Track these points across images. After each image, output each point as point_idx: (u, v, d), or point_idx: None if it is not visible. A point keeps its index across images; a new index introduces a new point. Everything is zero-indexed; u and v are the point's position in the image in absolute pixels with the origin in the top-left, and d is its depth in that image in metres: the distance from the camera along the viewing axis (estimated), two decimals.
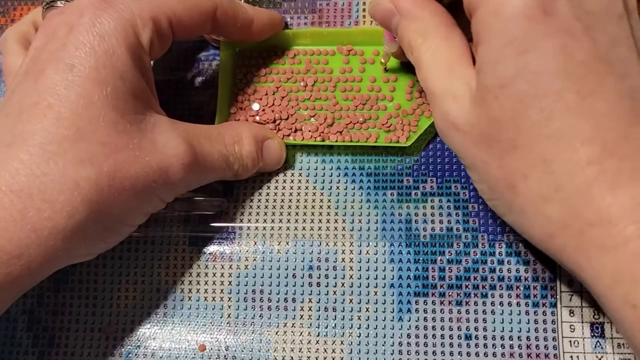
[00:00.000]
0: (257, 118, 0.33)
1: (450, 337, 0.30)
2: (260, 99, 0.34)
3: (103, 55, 0.26)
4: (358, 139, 0.32)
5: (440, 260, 0.31)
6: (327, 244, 0.31)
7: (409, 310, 0.30)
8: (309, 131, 0.33)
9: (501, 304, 0.30)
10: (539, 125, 0.22)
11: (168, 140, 0.27)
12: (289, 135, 0.33)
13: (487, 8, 0.23)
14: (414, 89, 0.33)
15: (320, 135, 0.33)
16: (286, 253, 0.31)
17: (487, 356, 0.29)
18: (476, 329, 0.30)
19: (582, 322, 0.29)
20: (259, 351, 0.30)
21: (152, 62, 0.29)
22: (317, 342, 0.30)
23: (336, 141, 0.32)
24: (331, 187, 0.33)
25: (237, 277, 0.31)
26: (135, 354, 0.31)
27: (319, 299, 0.31)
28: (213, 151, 0.29)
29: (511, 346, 0.29)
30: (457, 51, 0.25)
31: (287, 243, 0.32)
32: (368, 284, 0.31)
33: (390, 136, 0.32)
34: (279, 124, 0.33)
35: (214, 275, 0.32)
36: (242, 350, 0.31)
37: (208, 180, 0.30)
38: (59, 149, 0.25)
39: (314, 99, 0.33)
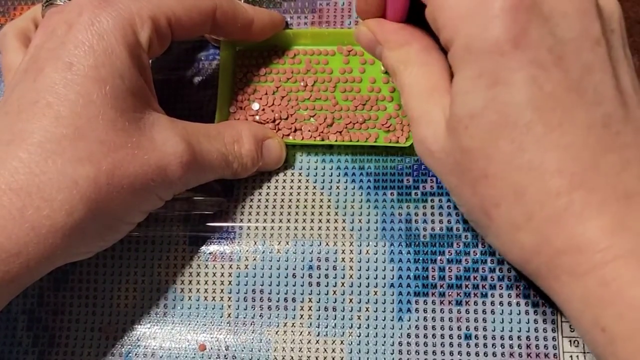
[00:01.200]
0: (257, 117, 0.33)
1: (450, 336, 0.30)
2: (260, 98, 0.34)
3: (102, 54, 0.26)
4: (358, 139, 0.32)
5: (440, 260, 0.31)
6: (327, 244, 0.31)
7: (409, 310, 0.30)
8: (309, 131, 0.33)
9: (501, 303, 0.30)
10: (510, 156, 0.22)
11: (167, 139, 0.27)
12: (288, 134, 0.33)
13: (460, 43, 0.23)
14: None
15: (319, 135, 0.33)
16: (286, 253, 0.31)
17: (487, 356, 0.29)
18: (476, 328, 0.30)
19: None
20: (259, 351, 0.30)
21: (150, 61, 0.29)
22: (317, 341, 0.30)
23: (336, 141, 0.32)
24: (331, 186, 0.33)
25: (237, 276, 0.31)
26: (135, 354, 0.31)
27: (319, 299, 0.31)
28: (212, 150, 0.29)
29: (511, 346, 0.29)
30: (436, 77, 0.26)
31: (287, 243, 0.32)
32: (368, 283, 0.31)
33: (389, 136, 0.32)
34: (278, 124, 0.33)
35: (214, 274, 0.32)
36: (242, 350, 0.30)
37: (207, 179, 0.30)
38: (58, 147, 0.25)
39: (314, 99, 0.33)
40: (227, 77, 0.34)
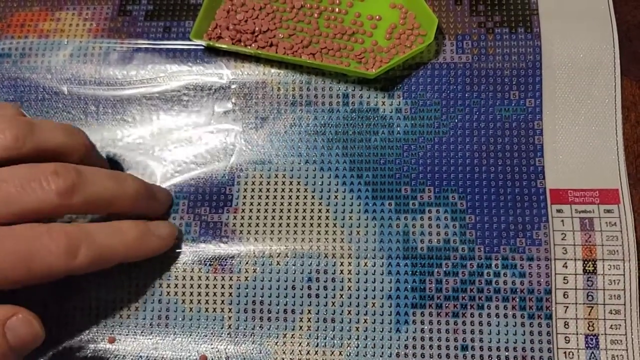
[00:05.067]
0: (238, 27, 0.35)
1: (447, 347, 0.30)
2: (247, 11, 0.36)
3: None
4: (329, 63, 0.34)
5: (438, 272, 0.31)
6: (325, 256, 0.32)
7: (406, 322, 0.31)
8: (284, 48, 0.35)
9: (497, 315, 0.30)
10: None
11: None
12: (264, 47, 0.35)
13: None
14: (395, 31, 0.35)
15: (293, 53, 0.34)
16: (285, 265, 0.32)
17: None
18: (472, 340, 0.30)
19: (577, 334, 0.30)
20: None
21: None
22: (316, 352, 0.31)
23: (307, 60, 0.34)
24: (329, 196, 0.33)
25: (238, 288, 0.32)
26: None
27: (318, 310, 0.31)
28: None
29: (507, 357, 0.30)
30: None
31: (287, 255, 0.32)
32: (366, 295, 0.31)
33: (360, 67, 0.34)
34: (257, 36, 0.35)
35: (215, 286, 0.32)
36: None
37: None
38: None
39: (297, 20, 0.35)
40: None
